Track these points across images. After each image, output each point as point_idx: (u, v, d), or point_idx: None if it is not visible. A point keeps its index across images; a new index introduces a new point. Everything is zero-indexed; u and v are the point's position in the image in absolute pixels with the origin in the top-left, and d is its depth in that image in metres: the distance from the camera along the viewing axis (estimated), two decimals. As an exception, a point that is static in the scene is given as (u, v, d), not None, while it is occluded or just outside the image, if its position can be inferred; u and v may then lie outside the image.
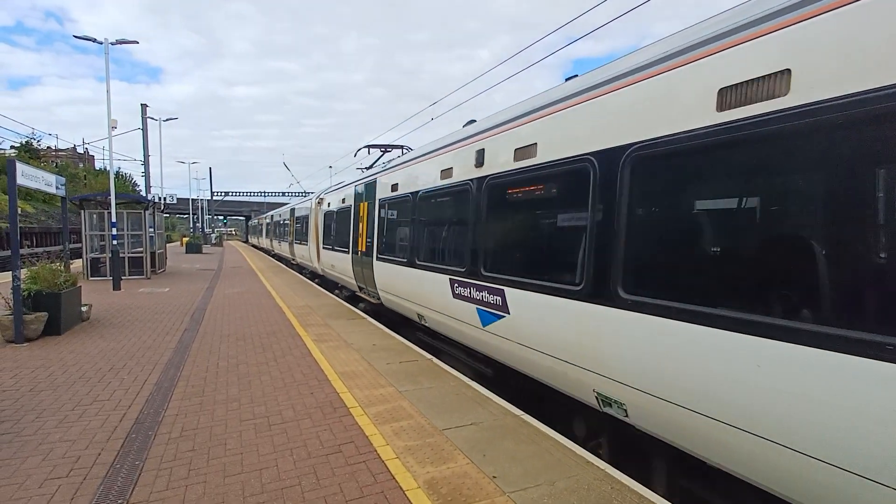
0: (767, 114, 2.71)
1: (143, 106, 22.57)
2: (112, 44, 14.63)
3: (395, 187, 8.98)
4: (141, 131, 22.51)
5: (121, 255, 15.18)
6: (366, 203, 10.71)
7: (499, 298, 5.22)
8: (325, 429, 4.26)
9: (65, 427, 4.24)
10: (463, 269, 6.02)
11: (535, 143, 4.81)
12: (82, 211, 16.04)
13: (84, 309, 8.94)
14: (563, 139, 4.44)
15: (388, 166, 10.11)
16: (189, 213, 58.21)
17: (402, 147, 12.05)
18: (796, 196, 2.79)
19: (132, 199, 19.35)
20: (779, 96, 2.67)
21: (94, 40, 14.66)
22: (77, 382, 5.46)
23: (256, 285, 15.28)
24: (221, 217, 77.25)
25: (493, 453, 3.79)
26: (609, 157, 3.83)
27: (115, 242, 14.40)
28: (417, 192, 7.83)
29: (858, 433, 2.28)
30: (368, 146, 12.90)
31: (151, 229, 17.47)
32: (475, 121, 6.83)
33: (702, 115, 3.08)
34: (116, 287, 13.47)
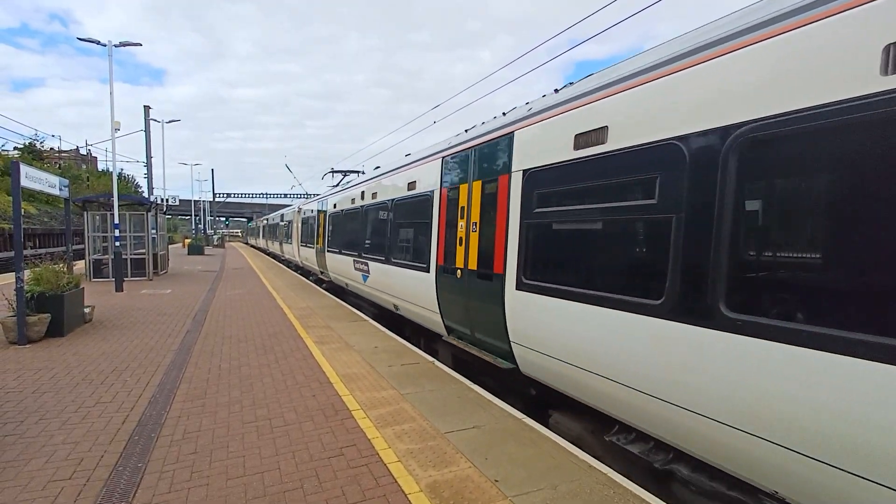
0: (409, 196, 8.03)
1: (146, 108, 22.55)
2: (116, 46, 14.64)
3: (335, 205, 14.05)
4: (144, 133, 22.50)
5: (123, 256, 15.23)
6: (323, 213, 15.71)
7: (366, 267, 10.09)
8: (328, 431, 4.27)
9: (68, 429, 4.26)
10: (357, 253, 10.92)
11: (377, 192, 9.86)
12: (85, 212, 16.09)
13: (87, 310, 8.96)
14: (380, 192, 9.66)
15: (332, 191, 15.71)
16: (191, 215, 58.29)
17: (358, 172, 16.77)
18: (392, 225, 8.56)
19: (135, 200, 19.39)
20: (412, 189, 7.82)
21: (98, 42, 14.66)
22: (80, 384, 5.47)
23: (258, 286, 15.32)
24: (224, 218, 77.42)
25: (495, 456, 3.79)
26: (392, 202, 8.74)
27: (117, 244, 14.43)
28: (343, 209, 12.96)
29: (416, 290, 7.55)
30: (332, 171, 18.29)
31: (154, 231, 17.51)
32: (380, 166, 11.35)
33: (403, 192, 8.08)
34: (119, 288, 13.52)
